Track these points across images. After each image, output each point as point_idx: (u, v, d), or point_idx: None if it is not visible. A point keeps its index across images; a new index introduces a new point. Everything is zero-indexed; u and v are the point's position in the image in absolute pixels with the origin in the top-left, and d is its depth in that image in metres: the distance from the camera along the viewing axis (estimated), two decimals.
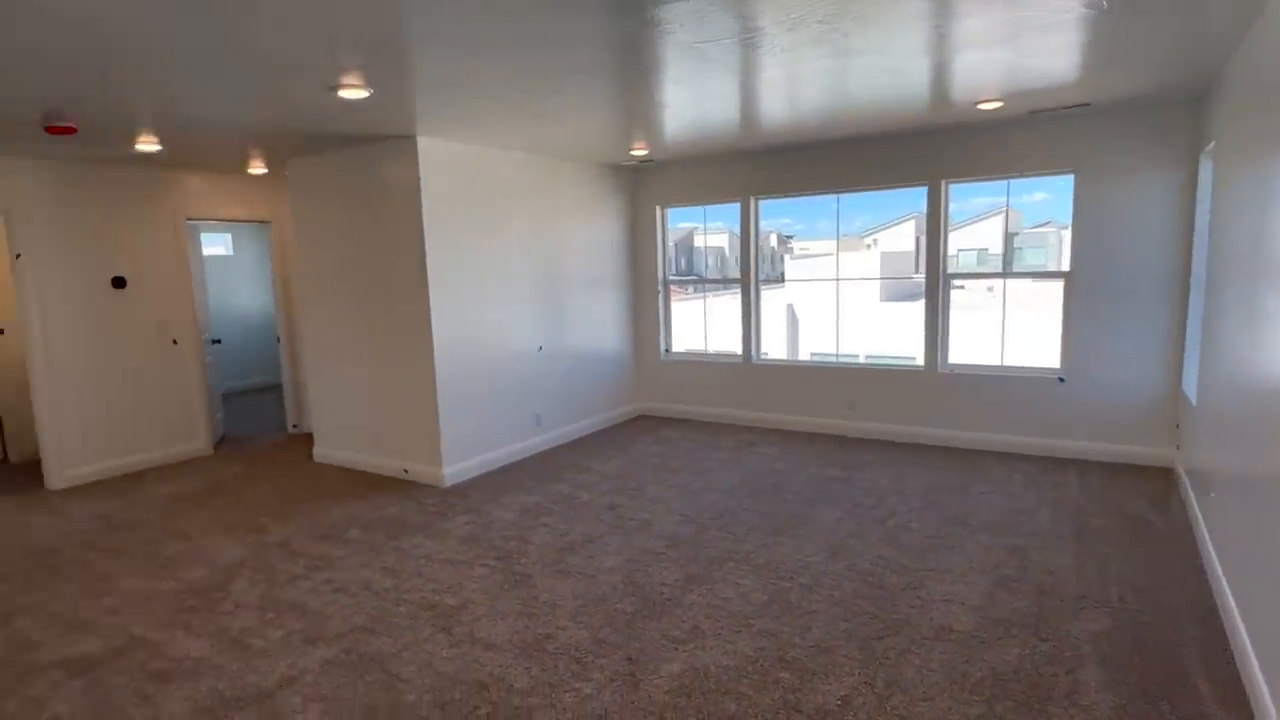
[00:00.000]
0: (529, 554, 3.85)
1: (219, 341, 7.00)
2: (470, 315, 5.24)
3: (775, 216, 6.55)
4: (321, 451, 5.86)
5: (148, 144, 4.68)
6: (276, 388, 9.31)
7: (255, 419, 7.66)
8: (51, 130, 4.07)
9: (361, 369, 5.43)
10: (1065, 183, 5.16)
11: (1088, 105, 4.58)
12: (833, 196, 6.08)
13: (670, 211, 7.01)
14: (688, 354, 7.08)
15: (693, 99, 4.07)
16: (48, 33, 2.56)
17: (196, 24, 2.54)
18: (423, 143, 4.78)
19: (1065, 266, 5.18)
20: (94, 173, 5.50)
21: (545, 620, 3.12)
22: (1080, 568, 3.47)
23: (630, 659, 2.80)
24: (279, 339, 6.92)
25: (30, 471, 5.80)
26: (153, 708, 2.59)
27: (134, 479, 5.55)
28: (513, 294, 5.62)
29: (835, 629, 2.98)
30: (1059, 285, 5.26)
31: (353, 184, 5.20)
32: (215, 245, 9.19)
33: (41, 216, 5.25)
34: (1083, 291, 5.10)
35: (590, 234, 6.45)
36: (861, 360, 6.69)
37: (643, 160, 6.37)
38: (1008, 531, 3.94)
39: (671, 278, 7.15)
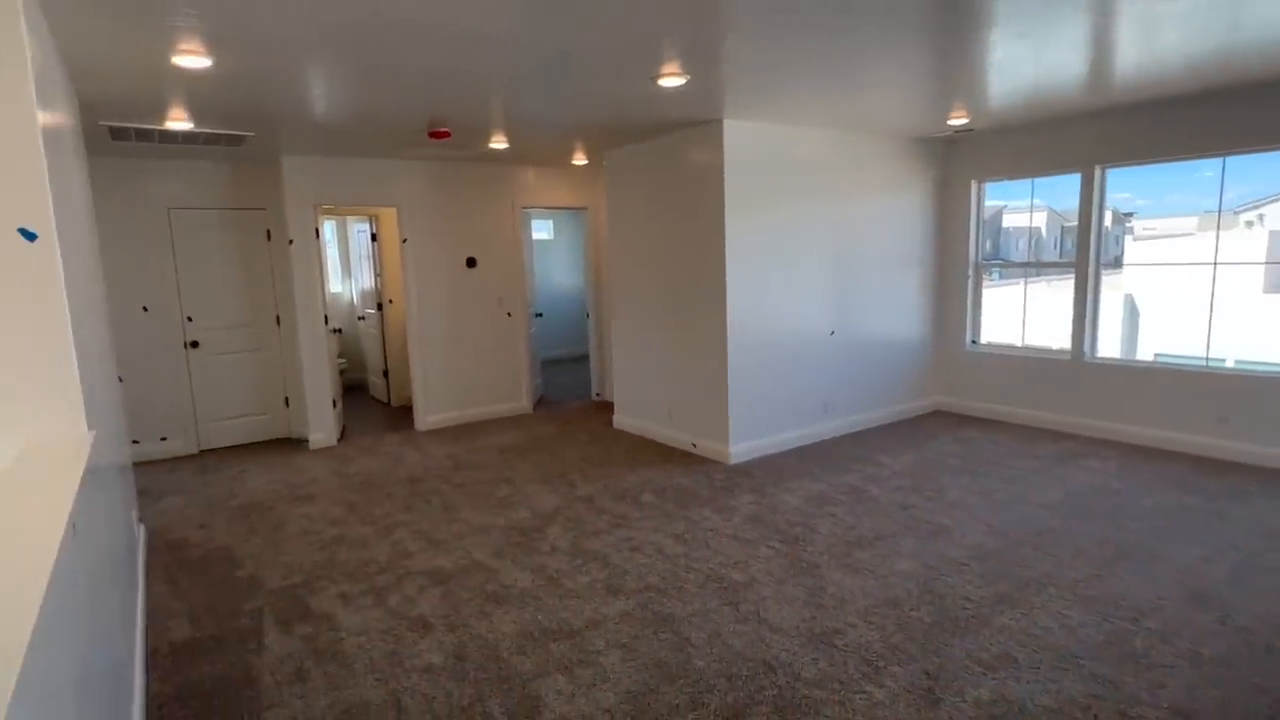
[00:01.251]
0: (815, 543, 3.75)
1: (541, 315, 7.97)
2: (764, 296, 5.25)
3: (1110, 190, 5.48)
4: (620, 419, 6.38)
5: (499, 142, 5.45)
6: (584, 358, 10.36)
7: (565, 385, 8.61)
8: (433, 135, 4.94)
9: (659, 346, 5.77)
10: None
11: None
12: (1211, 161, 4.90)
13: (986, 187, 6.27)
14: (998, 346, 6.31)
15: (1031, 54, 3.54)
16: (438, 51, 3.08)
17: (546, 32, 2.85)
18: (728, 125, 4.87)
19: None
20: (455, 170, 6.58)
21: (833, 613, 3.02)
22: None
23: (928, 674, 2.58)
24: (588, 315, 7.66)
25: (404, 414, 7.21)
26: (490, 623, 3.04)
27: (472, 428, 6.59)
28: (807, 276, 5.50)
29: (1202, 694, 2.42)
30: None
31: (661, 170, 5.51)
32: (540, 231, 10.47)
33: (420, 208, 6.44)
34: None
35: (892, 213, 6.05)
36: (1231, 365, 5.35)
37: (959, 130, 5.77)
38: None
39: (984, 260, 6.41)
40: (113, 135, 4.64)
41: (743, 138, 4.97)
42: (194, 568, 3.72)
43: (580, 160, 6.68)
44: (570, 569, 3.54)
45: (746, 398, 5.23)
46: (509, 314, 7.03)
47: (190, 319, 5.96)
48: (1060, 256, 6.10)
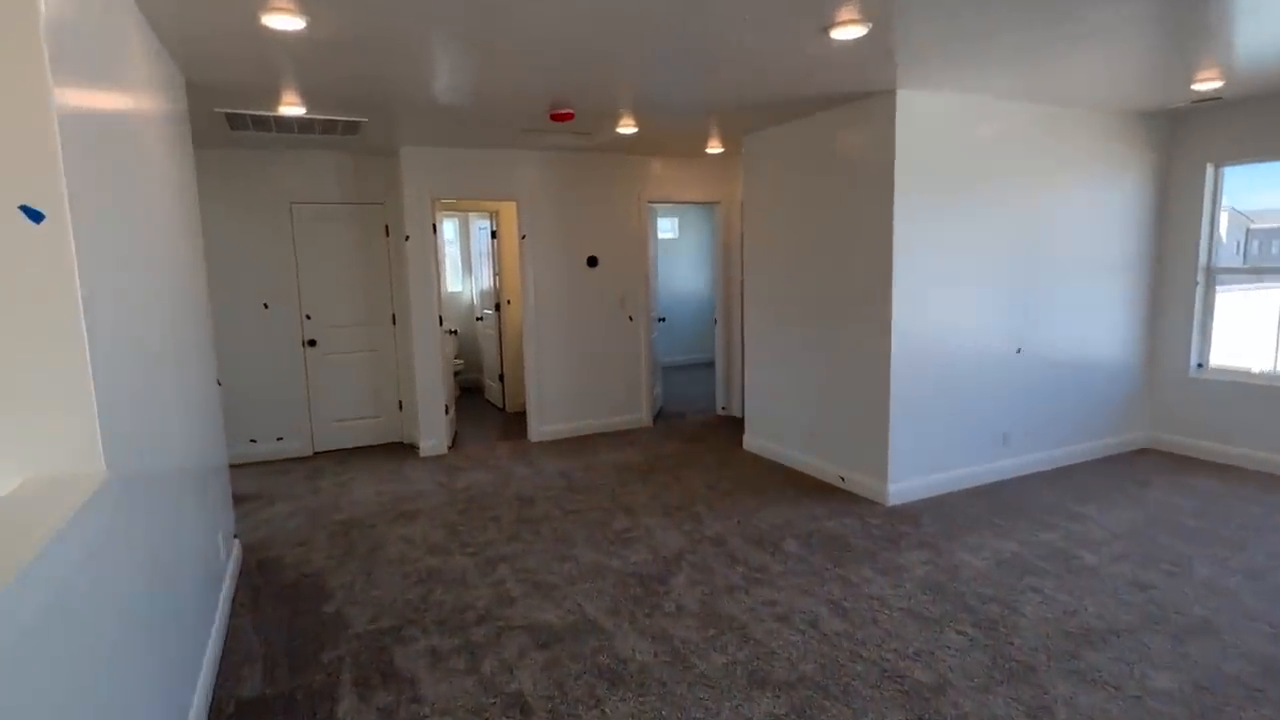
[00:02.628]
0: (1022, 630, 2.86)
1: (664, 319, 7.35)
2: (936, 306, 4.34)
3: None
4: (751, 441, 5.62)
5: (626, 126, 4.86)
6: (707, 365, 9.68)
7: (687, 395, 7.94)
8: (555, 118, 4.41)
9: (803, 359, 4.97)
10: None
11: None
12: None
13: (1225, 173, 5.00)
14: (1234, 372, 5.01)
15: None
16: (563, 5, 2.49)
17: None
18: (902, 96, 4.01)
19: None
20: (576, 161, 6.07)
21: None
22: None
23: None
24: (716, 320, 6.95)
25: (518, 421, 6.81)
26: (601, 714, 2.40)
27: (588, 442, 6.05)
28: (988, 281, 4.52)
29: None
30: None
31: (811, 155, 4.71)
32: (664, 230, 9.87)
33: (540, 202, 5.97)
34: None
35: (1097, 204, 4.92)
36: None
37: (1201, 99, 4.57)
38: None
39: (1221, 265, 5.11)
40: (231, 125, 4.44)
41: (917, 113, 4.09)
42: (282, 597, 3.35)
43: (714, 148, 5.98)
44: (701, 641, 2.85)
45: (911, 425, 4.34)
46: (630, 318, 6.45)
47: (309, 317, 5.79)
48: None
